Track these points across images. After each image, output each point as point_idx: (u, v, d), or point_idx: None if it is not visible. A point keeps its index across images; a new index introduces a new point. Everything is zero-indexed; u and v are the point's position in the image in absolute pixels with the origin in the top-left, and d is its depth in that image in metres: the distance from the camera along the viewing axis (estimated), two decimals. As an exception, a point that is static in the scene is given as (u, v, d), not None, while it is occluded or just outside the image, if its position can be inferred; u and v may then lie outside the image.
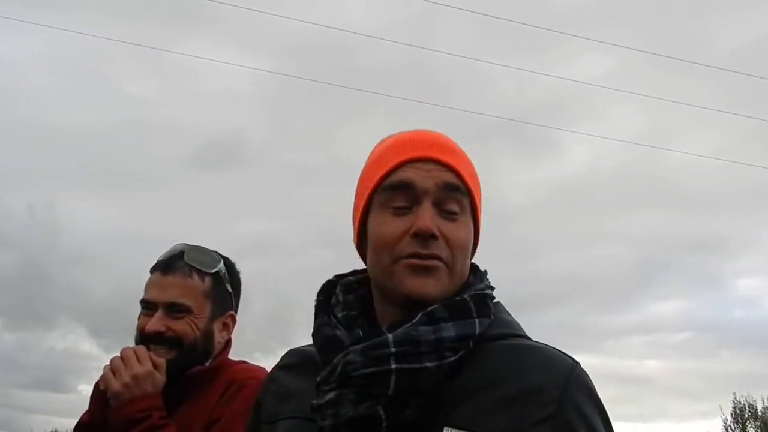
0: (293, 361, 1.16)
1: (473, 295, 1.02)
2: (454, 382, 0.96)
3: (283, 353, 1.20)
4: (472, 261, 1.10)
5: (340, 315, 1.05)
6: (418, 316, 0.97)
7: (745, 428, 31.03)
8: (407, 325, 0.96)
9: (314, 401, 0.97)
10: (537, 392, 0.95)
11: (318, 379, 0.99)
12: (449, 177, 1.03)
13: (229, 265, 1.82)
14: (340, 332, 1.01)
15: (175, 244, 1.77)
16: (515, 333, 1.05)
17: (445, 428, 0.93)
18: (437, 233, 0.99)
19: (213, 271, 1.73)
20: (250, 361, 1.82)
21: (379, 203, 1.04)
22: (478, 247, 1.10)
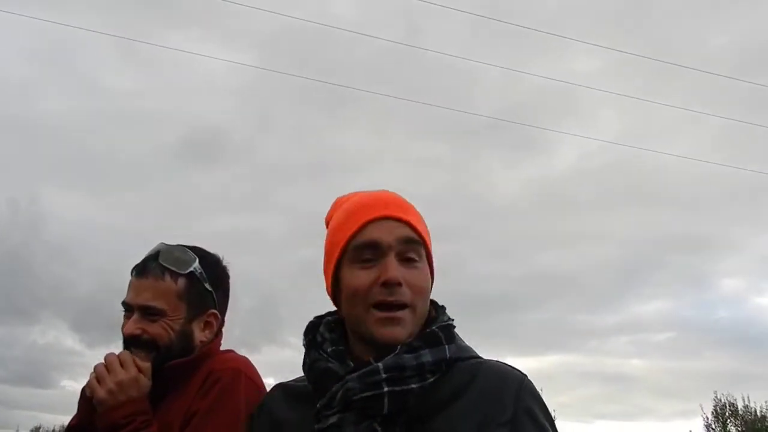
0: (281, 395, 1.34)
1: (441, 326, 1.23)
2: (430, 399, 1.14)
3: (269, 386, 1.41)
4: (432, 298, 1.29)
5: (329, 350, 1.23)
6: (398, 347, 1.16)
7: (726, 427, 31.25)
8: (392, 355, 1.15)
9: (317, 425, 1.14)
10: (496, 400, 1.15)
11: (318, 406, 1.15)
12: (407, 232, 1.24)
13: (212, 262, 1.82)
14: (333, 365, 1.19)
15: (158, 243, 1.77)
16: (472, 356, 1.25)
17: None
18: (402, 281, 1.19)
19: (186, 271, 1.72)
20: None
21: (349, 259, 1.23)
22: (434, 284, 1.29)
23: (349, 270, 1.23)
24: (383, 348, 1.17)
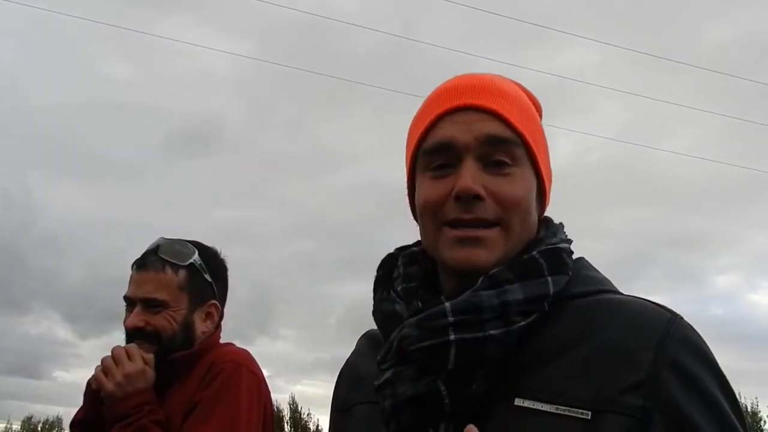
0: (366, 344, 1.09)
1: (544, 250, 0.91)
2: (525, 349, 0.85)
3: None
4: (547, 216, 1.00)
5: (399, 288, 0.97)
6: (479, 280, 0.87)
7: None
8: (468, 291, 0.87)
9: (375, 382, 0.90)
10: (624, 353, 0.81)
11: (378, 358, 0.92)
12: (492, 127, 0.91)
13: (211, 254, 1.84)
14: (399, 306, 0.94)
15: (157, 238, 1.80)
16: (603, 289, 0.93)
17: (516, 399, 0.83)
18: (482, 193, 0.88)
19: (186, 263, 1.76)
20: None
21: (421, 166, 0.95)
22: (548, 200, 0.99)
23: (420, 181, 0.95)
24: (468, 276, 0.88)
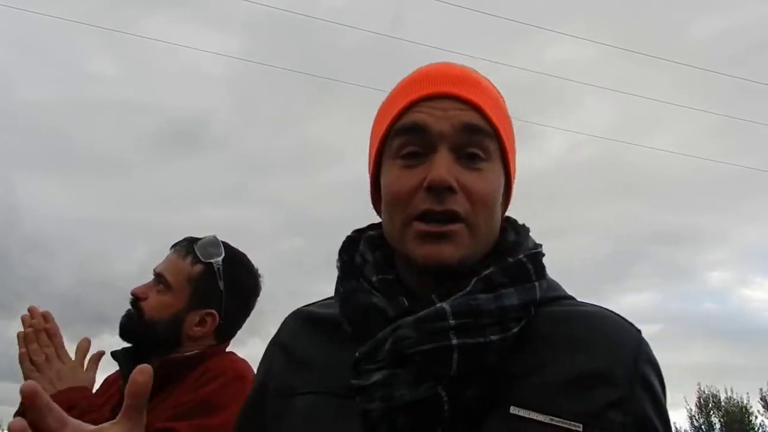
0: (301, 326, 1.01)
1: (530, 255, 0.90)
2: (514, 356, 0.84)
3: (288, 317, 1.04)
4: (509, 216, 0.98)
5: (374, 279, 0.91)
6: (472, 282, 0.85)
7: (709, 418, 31.70)
8: (462, 293, 0.84)
9: (354, 381, 0.85)
10: (605, 370, 0.84)
11: (357, 354, 0.86)
12: (470, 116, 0.89)
13: (239, 269, 1.79)
14: (379, 300, 0.88)
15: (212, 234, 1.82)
16: (565, 295, 0.94)
17: (512, 408, 0.82)
18: (455, 185, 0.86)
19: (206, 260, 1.72)
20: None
21: (390, 152, 0.91)
22: (512, 198, 0.98)
23: (389, 168, 0.91)
24: (442, 277, 0.86)
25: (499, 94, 0.97)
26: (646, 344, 0.89)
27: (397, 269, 0.93)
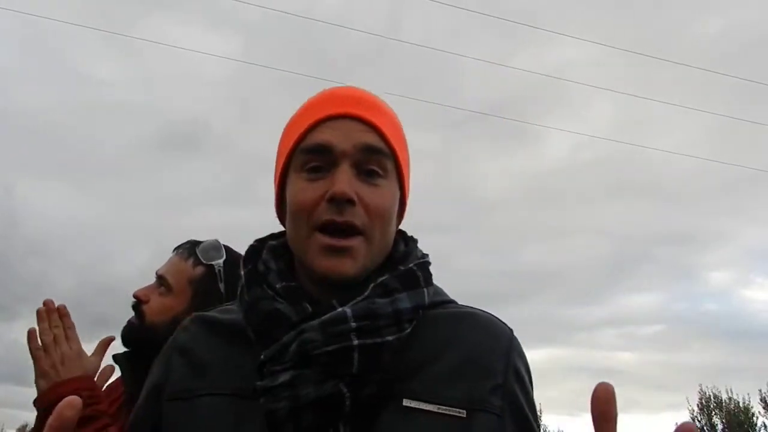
0: (200, 330, 1.04)
1: (419, 264, 1.00)
2: (405, 354, 0.93)
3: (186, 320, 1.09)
4: (401, 228, 1.06)
5: (278, 286, 0.97)
6: (370, 287, 0.94)
7: (711, 419, 31.61)
8: (361, 298, 0.92)
9: (260, 383, 0.90)
10: (485, 361, 0.96)
11: (262, 357, 0.91)
12: (370, 138, 0.97)
13: (236, 267, 1.78)
14: (283, 306, 0.94)
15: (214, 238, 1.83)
16: (449, 299, 1.04)
17: (404, 400, 0.91)
18: (354, 198, 0.93)
19: (207, 262, 1.74)
20: None
21: (296, 166, 0.98)
22: (405, 214, 1.06)
23: (293, 181, 0.98)
24: (340, 286, 0.94)
25: (396, 117, 1.06)
26: (517, 340, 1.02)
27: (298, 277, 1.00)
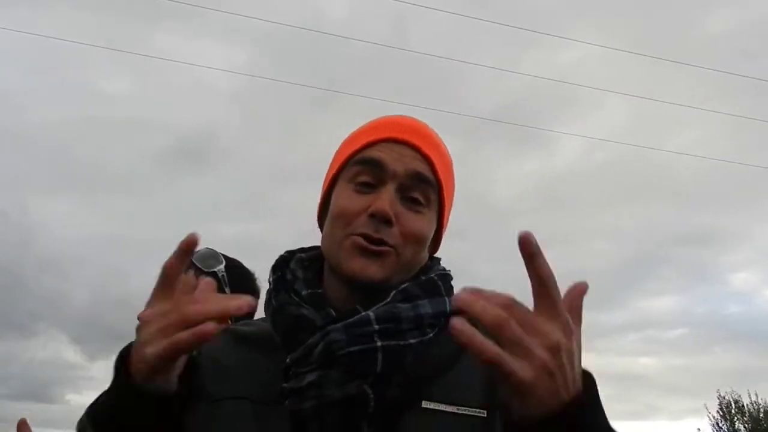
0: (229, 340, 1.06)
1: (439, 274, 1.03)
2: (430, 358, 0.95)
3: None
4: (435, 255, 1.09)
5: (304, 293, 1.00)
6: (392, 293, 0.96)
7: (734, 424, 31.65)
8: (383, 303, 0.95)
9: (286, 384, 0.93)
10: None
11: (289, 360, 0.94)
12: (421, 166, 1.00)
13: (240, 273, 1.89)
14: (308, 311, 0.97)
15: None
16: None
17: (424, 402, 0.93)
18: (392, 219, 0.96)
19: (210, 270, 1.80)
20: None
21: (346, 177, 1.02)
22: (440, 245, 1.09)
23: (342, 188, 1.02)
24: (364, 292, 0.96)
25: (448, 154, 1.09)
26: None
27: (324, 287, 1.03)
